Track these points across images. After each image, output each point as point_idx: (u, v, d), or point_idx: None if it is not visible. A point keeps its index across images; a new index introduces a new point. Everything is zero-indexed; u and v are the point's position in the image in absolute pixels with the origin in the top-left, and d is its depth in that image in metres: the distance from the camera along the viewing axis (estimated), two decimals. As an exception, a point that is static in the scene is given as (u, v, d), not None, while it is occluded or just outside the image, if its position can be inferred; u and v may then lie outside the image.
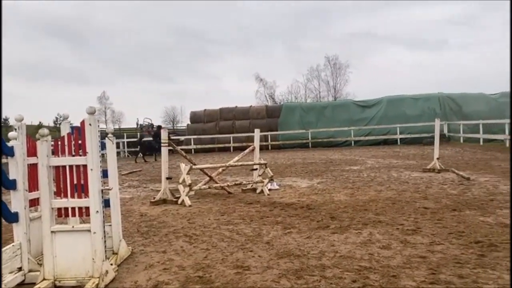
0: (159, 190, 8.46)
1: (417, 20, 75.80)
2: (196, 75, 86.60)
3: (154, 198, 8.17)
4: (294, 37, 78.03)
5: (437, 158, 11.46)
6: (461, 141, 23.54)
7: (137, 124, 32.14)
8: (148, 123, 30.38)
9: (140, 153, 23.21)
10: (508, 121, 20.11)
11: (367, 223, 5.66)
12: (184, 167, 7.82)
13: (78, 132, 3.82)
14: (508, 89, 27.74)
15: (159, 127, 23.34)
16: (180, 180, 7.85)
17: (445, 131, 25.23)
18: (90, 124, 3.70)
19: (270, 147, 27.60)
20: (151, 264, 4.26)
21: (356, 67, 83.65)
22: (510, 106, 16.82)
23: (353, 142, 27.18)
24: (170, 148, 8.43)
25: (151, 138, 22.76)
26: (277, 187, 9.38)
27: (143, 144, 23.04)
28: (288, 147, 27.48)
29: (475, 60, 74.25)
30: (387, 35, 75.67)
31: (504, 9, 71.37)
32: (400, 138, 26.29)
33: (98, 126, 3.82)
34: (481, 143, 21.54)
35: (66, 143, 3.80)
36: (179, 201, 7.75)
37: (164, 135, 8.26)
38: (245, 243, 4.87)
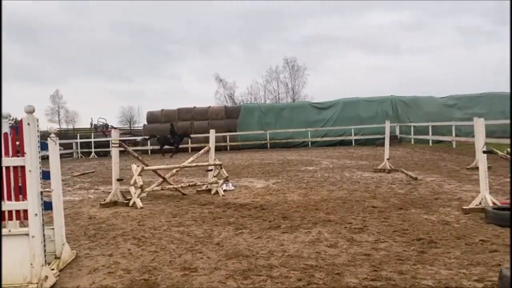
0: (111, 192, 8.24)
1: (372, 25, 78.22)
2: (154, 75, 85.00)
3: (105, 200, 7.94)
4: (253, 39, 78.40)
5: (388, 159, 11.86)
6: (412, 142, 24.50)
7: (91, 124, 31.15)
8: (103, 123, 29.55)
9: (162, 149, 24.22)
10: (454, 123, 21.13)
11: (317, 222, 5.76)
12: (135, 168, 7.66)
13: (16, 132, 3.64)
14: (455, 94, 29.19)
15: (172, 125, 25.08)
16: (132, 182, 7.68)
17: (397, 132, 26.17)
18: (28, 124, 3.55)
19: (228, 148, 27.57)
20: (96, 268, 4.14)
21: (314, 69, 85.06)
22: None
23: (310, 143, 27.66)
24: (122, 148, 8.22)
25: (169, 135, 24.27)
26: (233, 188, 9.38)
27: (161, 140, 24.34)
28: (247, 148, 27.56)
29: (426, 64, 77.43)
30: (344, 38, 77.56)
31: (452, 15, 75.02)
32: (355, 139, 27.02)
33: (38, 125, 3.66)
34: (430, 144, 22.52)
35: (2, 143, 3.62)
36: (130, 203, 7.58)
37: (114, 135, 8.05)
38: (194, 244, 4.83)
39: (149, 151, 27.38)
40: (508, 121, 21.75)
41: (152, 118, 30.45)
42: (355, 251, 4.35)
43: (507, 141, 16.33)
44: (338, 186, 9.12)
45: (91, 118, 31.39)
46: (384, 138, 12.45)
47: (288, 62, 54.78)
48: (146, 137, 25.97)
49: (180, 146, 25.88)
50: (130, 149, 8.89)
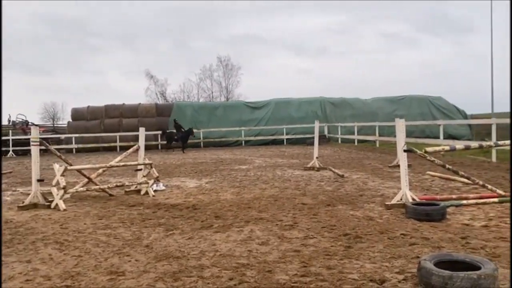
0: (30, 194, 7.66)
1: (301, 27, 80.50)
2: (77, 70, 80.00)
3: (23, 202, 7.36)
4: (183, 36, 76.88)
5: (317, 157, 12.26)
6: (339, 141, 25.57)
7: (9, 120, 28.80)
8: (22, 119, 27.50)
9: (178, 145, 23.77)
10: (378, 124, 22.37)
11: (250, 220, 5.79)
12: (58, 167, 7.19)
13: None
14: (378, 96, 30.95)
15: (175, 120, 24.47)
16: (54, 182, 7.19)
17: (326, 132, 27.18)
18: None
19: (160, 147, 26.90)
20: (11, 276, 3.81)
21: (247, 69, 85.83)
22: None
23: (243, 142, 27.85)
24: (43, 147, 7.68)
25: (174, 130, 23.95)
26: (164, 188, 9.15)
27: (167, 135, 24.07)
28: (179, 147, 27.06)
29: (351, 67, 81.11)
30: (273, 40, 78.93)
31: (377, 21, 79.43)
32: (286, 139, 27.66)
33: None
34: (356, 143, 23.65)
35: None
36: (52, 205, 7.10)
37: (34, 133, 7.49)
38: (122, 247, 4.63)
39: (74, 149, 25.94)
40: (425, 122, 23.49)
41: (77, 115, 28.86)
42: (285, 247, 4.43)
43: (424, 140, 17.62)
44: (270, 184, 9.26)
45: (9, 114, 28.95)
46: (313, 138, 12.97)
47: (222, 60, 54.62)
48: (159, 132, 25.49)
49: (108, 145, 24.85)
50: (53, 147, 8.33)
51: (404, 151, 6.50)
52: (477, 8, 76.18)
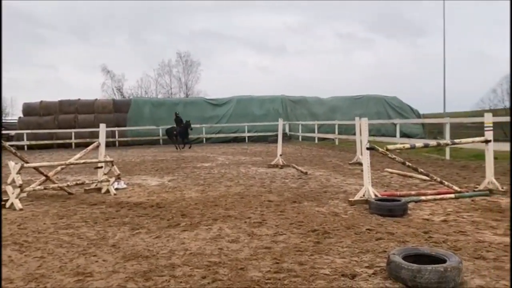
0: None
1: (261, 25, 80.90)
2: (26, 63, 76.05)
3: (-26, 202, 6.94)
4: (139, 30, 74.90)
5: (280, 155, 12.37)
6: (300, 139, 25.95)
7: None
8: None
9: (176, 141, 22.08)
10: (338, 122, 22.87)
11: (217, 218, 5.75)
12: (13, 165, 6.83)
13: None
14: (337, 95, 31.65)
15: (176, 114, 22.72)
16: (9, 181, 6.83)
17: (287, 130, 27.49)
18: None
19: (117, 144, 26.20)
20: (-32, 281, 3.58)
21: (207, 65, 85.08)
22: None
23: (204, 139, 27.63)
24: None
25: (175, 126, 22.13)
26: (125, 186, 8.91)
27: (168, 131, 22.57)
28: (138, 144, 26.50)
29: (310, 66, 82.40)
30: (235, 37, 78.84)
31: (333, 21, 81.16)
32: (248, 136, 27.73)
33: None
34: (316, 141, 24.08)
35: None
36: (7, 204, 6.74)
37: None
38: (87, 247, 4.47)
39: (25, 146, 24.77)
40: (382, 121, 24.26)
41: (29, 110, 27.57)
42: (256, 245, 4.44)
43: (382, 139, 18.21)
44: (235, 182, 9.25)
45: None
46: (275, 135, 13.13)
47: (182, 56, 53.93)
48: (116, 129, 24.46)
49: (62, 141, 23.92)
50: (7, 144, 7.91)
51: (367, 149, 6.69)
52: (430, 10, 79.57)
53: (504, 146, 11.94)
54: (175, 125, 22.04)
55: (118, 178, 8.70)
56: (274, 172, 10.88)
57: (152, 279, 3.49)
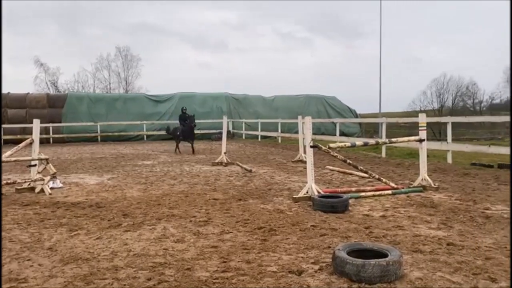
0: None
1: (201, 21, 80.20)
2: None
3: None
4: (74, 22, 71.16)
5: (225, 153, 12.33)
6: (243, 137, 26.06)
7: None
8: None
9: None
10: (280, 120, 23.22)
11: (161, 217, 5.61)
12: None
13: None
14: (279, 94, 32.14)
15: (182, 110, 18.31)
16: None
17: (230, 128, 27.47)
18: None
19: (52, 141, 24.76)
20: None
21: (148, 60, 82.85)
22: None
23: (145, 137, 26.89)
24: None
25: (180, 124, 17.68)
26: (61, 185, 8.43)
27: (173, 133, 17.86)
28: (74, 141, 25.21)
29: (252, 64, 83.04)
30: (175, 32, 77.50)
31: (272, 20, 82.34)
32: (191, 134, 27.32)
33: None
34: (259, 139, 24.30)
35: None
36: None
37: None
38: (21, 251, 4.16)
39: None
40: (324, 120, 24.97)
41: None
42: (202, 244, 4.37)
43: (322, 137, 18.73)
44: (179, 180, 9.08)
45: None
46: (219, 133, 13.09)
47: (121, 51, 52.07)
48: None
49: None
50: None
51: (311, 147, 6.84)
52: (366, 13, 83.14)
53: (434, 145, 12.75)
54: (180, 124, 17.49)
55: (53, 177, 8.21)
56: (218, 170, 10.81)
57: (94, 283, 3.32)
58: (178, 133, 16.99)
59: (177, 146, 17.00)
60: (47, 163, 8.12)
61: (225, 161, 12.03)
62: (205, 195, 7.29)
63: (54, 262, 3.82)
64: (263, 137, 24.53)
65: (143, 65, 68.14)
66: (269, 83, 79.05)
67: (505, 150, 10.95)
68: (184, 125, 16.73)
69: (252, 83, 78.04)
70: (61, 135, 25.41)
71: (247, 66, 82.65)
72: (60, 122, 25.86)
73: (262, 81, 78.10)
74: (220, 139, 22.45)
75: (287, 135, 22.07)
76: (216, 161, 12.26)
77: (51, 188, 7.91)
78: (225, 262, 3.79)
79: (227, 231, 4.85)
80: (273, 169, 10.94)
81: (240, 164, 11.46)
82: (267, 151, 17.25)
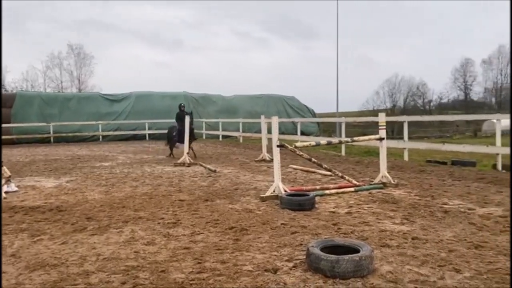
0: None
1: (156, 18, 78.95)
2: None
3: None
4: (18, 17, 67.83)
5: (187, 153, 12.20)
6: (204, 137, 25.84)
7: None
8: None
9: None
10: (242, 120, 23.28)
11: (128, 220, 5.49)
12: None
13: None
14: (239, 93, 32.20)
15: (180, 106, 15.44)
16: None
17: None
18: None
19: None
20: None
21: (101, 59, 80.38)
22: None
23: (101, 137, 26.09)
24: None
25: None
26: (16, 188, 8.03)
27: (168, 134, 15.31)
28: (25, 142, 24.03)
29: (210, 63, 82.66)
30: (128, 29, 75.72)
31: (229, 19, 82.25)
32: (149, 134, 26.80)
33: None
34: (220, 139, 24.22)
35: None
36: None
37: None
38: (-20, 259, 3.94)
39: None
40: (286, 120, 25.26)
41: None
42: (174, 246, 4.32)
43: (281, 136, 18.94)
44: (141, 182, 8.90)
45: None
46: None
47: (73, 48, 50.25)
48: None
49: None
50: None
51: (278, 146, 6.91)
52: (322, 14, 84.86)
53: (392, 143, 13.23)
54: (176, 124, 14.98)
55: (8, 180, 7.81)
56: (181, 171, 10.69)
57: (65, 290, 3.21)
58: (174, 134, 14.47)
59: (171, 150, 14.65)
60: (1, 165, 7.71)
61: (188, 161, 11.91)
62: (171, 196, 7.19)
63: (19, 269, 3.66)
64: (224, 136, 24.47)
65: (97, 63, 65.99)
66: (229, 82, 79.08)
67: (457, 148, 11.57)
68: (182, 126, 13.62)
69: (211, 82, 77.77)
70: (10, 136, 24.10)
71: (205, 65, 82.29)
72: (9, 122, 24.56)
73: (221, 80, 78.01)
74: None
75: (248, 134, 22.14)
76: (179, 161, 12.11)
77: (6, 192, 7.53)
78: (199, 263, 3.77)
79: (198, 232, 4.82)
80: (237, 169, 10.96)
81: (204, 164, 11.39)
82: (229, 151, 17.24)
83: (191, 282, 3.34)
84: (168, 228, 5.04)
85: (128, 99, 28.06)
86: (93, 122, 25.87)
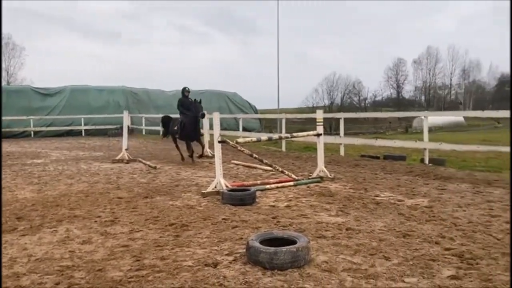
0: None
1: (91, 9, 75.79)
2: None
3: None
4: None
5: (126, 149, 11.88)
6: (144, 133, 25.23)
7: None
8: None
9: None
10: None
11: (62, 219, 5.27)
12: None
13: None
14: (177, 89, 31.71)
15: (184, 91, 11.90)
16: None
17: (129, 123, 26.40)
18: None
19: None
20: None
21: (33, 50, 75.67)
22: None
23: (33, 133, 24.61)
24: None
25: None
26: None
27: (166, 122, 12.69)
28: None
29: (149, 57, 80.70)
30: (61, 18, 72.00)
31: (168, 12, 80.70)
32: (85, 129, 25.72)
33: None
34: (161, 135, 23.73)
35: None
36: None
37: None
38: None
39: None
40: (227, 116, 25.26)
41: None
42: (112, 244, 4.23)
43: (224, 132, 18.96)
44: (77, 179, 8.54)
45: None
46: (116, 128, 12.58)
47: (1, 38, 46.75)
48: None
49: None
50: None
51: (219, 142, 6.95)
52: (262, 11, 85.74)
53: (329, 139, 13.72)
54: (180, 114, 11.85)
55: None
56: (120, 168, 10.39)
57: (-8, 294, 3.04)
58: (176, 128, 11.75)
59: (177, 147, 12.02)
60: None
61: (127, 158, 11.60)
62: (108, 194, 6.98)
63: None
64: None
65: (28, 54, 62.02)
66: (169, 77, 77.63)
67: (389, 143, 12.26)
68: (187, 116, 11.20)
69: (151, 77, 75.88)
70: None
71: (144, 60, 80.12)
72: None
73: (161, 75, 76.33)
74: (117, 135, 21.55)
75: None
76: (117, 158, 11.75)
77: None
78: (138, 260, 3.72)
79: (137, 230, 4.74)
80: (178, 165, 10.84)
81: (143, 160, 11.15)
82: (170, 147, 16.92)
83: (129, 279, 3.29)
84: (106, 226, 4.91)
85: (62, 93, 26.68)
86: (24, 117, 24.32)
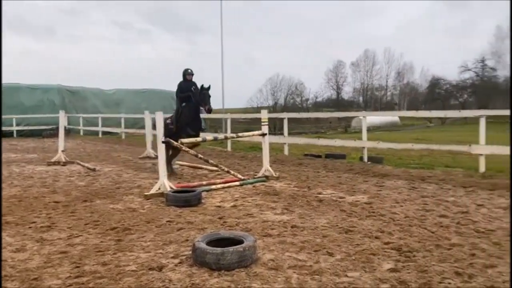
0: None
1: (23, 2, 71.54)
2: None
3: None
4: None
5: (62, 151, 11.29)
6: (81, 133, 24.16)
7: None
8: None
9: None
10: (124, 115, 22.27)
11: (-9, 227, 4.89)
12: None
13: None
14: (121, 87, 30.74)
15: (185, 73, 9.13)
16: None
17: (65, 123, 25.12)
18: None
19: None
20: None
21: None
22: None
23: (-45, 135, 22.66)
24: None
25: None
26: None
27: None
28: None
29: (87, 54, 77.33)
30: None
31: (107, 8, 78.00)
32: (17, 130, 24.15)
33: None
34: (100, 135, 22.85)
35: None
36: None
37: None
38: None
39: None
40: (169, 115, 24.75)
41: None
42: (48, 251, 3.99)
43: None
44: (8, 184, 7.98)
45: None
46: (51, 129, 11.92)
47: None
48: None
49: None
50: None
51: (162, 142, 6.79)
52: (206, 9, 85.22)
53: (274, 139, 13.90)
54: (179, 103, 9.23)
55: None
56: (56, 170, 9.85)
57: None
58: (170, 120, 9.19)
59: (170, 152, 8.89)
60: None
61: (63, 160, 11.02)
62: (44, 198, 6.60)
63: None
64: (105, 133, 23.15)
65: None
66: (109, 75, 74.82)
67: (330, 142, 12.65)
68: (186, 107, 8.97)
69: (89, 75, 72.72)
70: None
71: (82, 57, 76.63)
72: None
73: (100, 73, 73.43)
74: (52, 135, 20.45)
75: (131, 130, 21.26)
76: (53, 160, 11.13)
77: None
78: (78, 267, 3.54)
79: (76, 235, 4.52)
80: (120, 166, 10.48)
81: (81, 162, 10.66)
82: (110, 148, 16.37)
83: (68, 287, 3.13)
84: (42, 233, 4.63)
85: (-11, 91, 24.82)
86: None
